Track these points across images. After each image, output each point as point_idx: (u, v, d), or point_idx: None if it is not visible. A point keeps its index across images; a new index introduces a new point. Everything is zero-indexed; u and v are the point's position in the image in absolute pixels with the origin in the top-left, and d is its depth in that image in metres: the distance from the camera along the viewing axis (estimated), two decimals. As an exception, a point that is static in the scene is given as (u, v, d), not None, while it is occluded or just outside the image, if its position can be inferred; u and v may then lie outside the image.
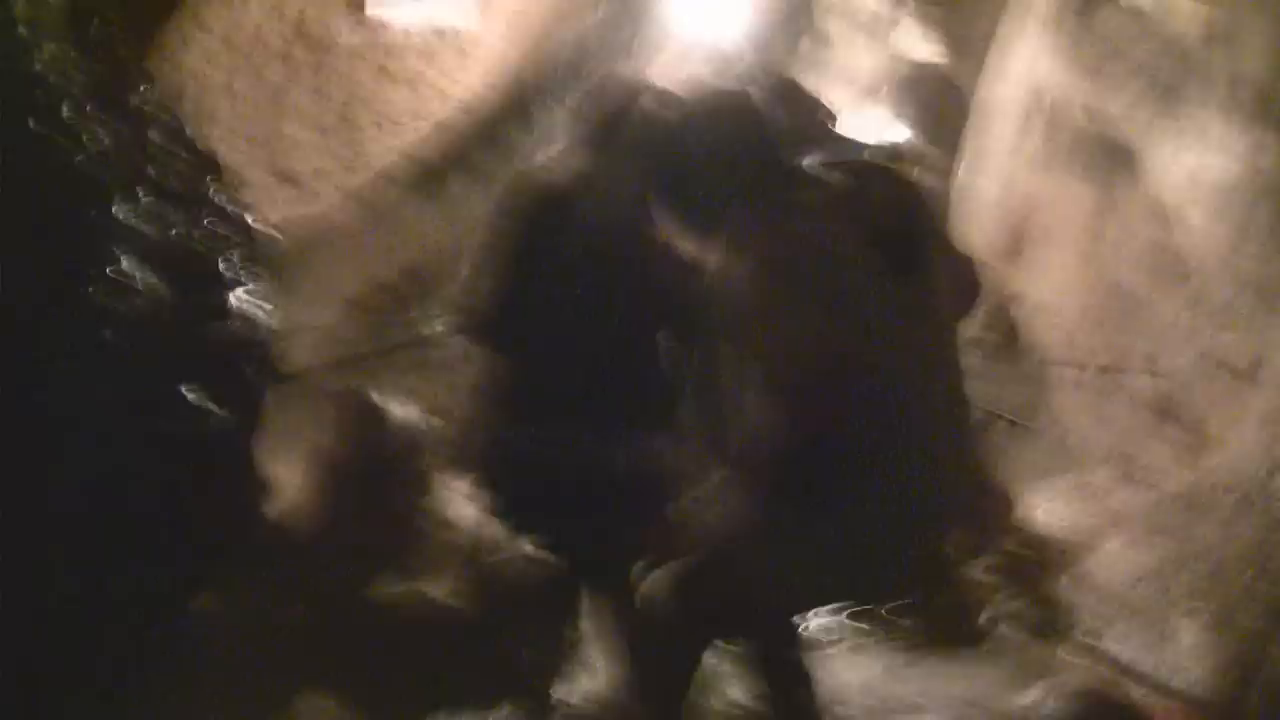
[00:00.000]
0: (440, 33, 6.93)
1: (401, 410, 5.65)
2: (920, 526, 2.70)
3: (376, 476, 5.47)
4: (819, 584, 2.80)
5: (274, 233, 7.74)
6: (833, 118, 5.11)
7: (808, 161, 3.09)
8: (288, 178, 7.06)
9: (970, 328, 11.77)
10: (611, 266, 3.47)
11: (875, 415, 2.51)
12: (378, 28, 6.45)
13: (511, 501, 4.02)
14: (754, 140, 2.94)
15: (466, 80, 7.89)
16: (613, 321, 3.43)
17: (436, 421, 6.21)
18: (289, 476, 6.81)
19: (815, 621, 4.52)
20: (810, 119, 4.35)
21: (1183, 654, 3.89)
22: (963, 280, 3.04)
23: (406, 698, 4.46)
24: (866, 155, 4.81)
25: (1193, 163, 6.63)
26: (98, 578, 1.49)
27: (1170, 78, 6.87)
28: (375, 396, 5.58)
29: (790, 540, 2.58)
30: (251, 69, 5.89)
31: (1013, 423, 7.16)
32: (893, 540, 2.64)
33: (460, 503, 5.63)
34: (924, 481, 2.59)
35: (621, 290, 3.45)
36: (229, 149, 6.30)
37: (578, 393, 3.55)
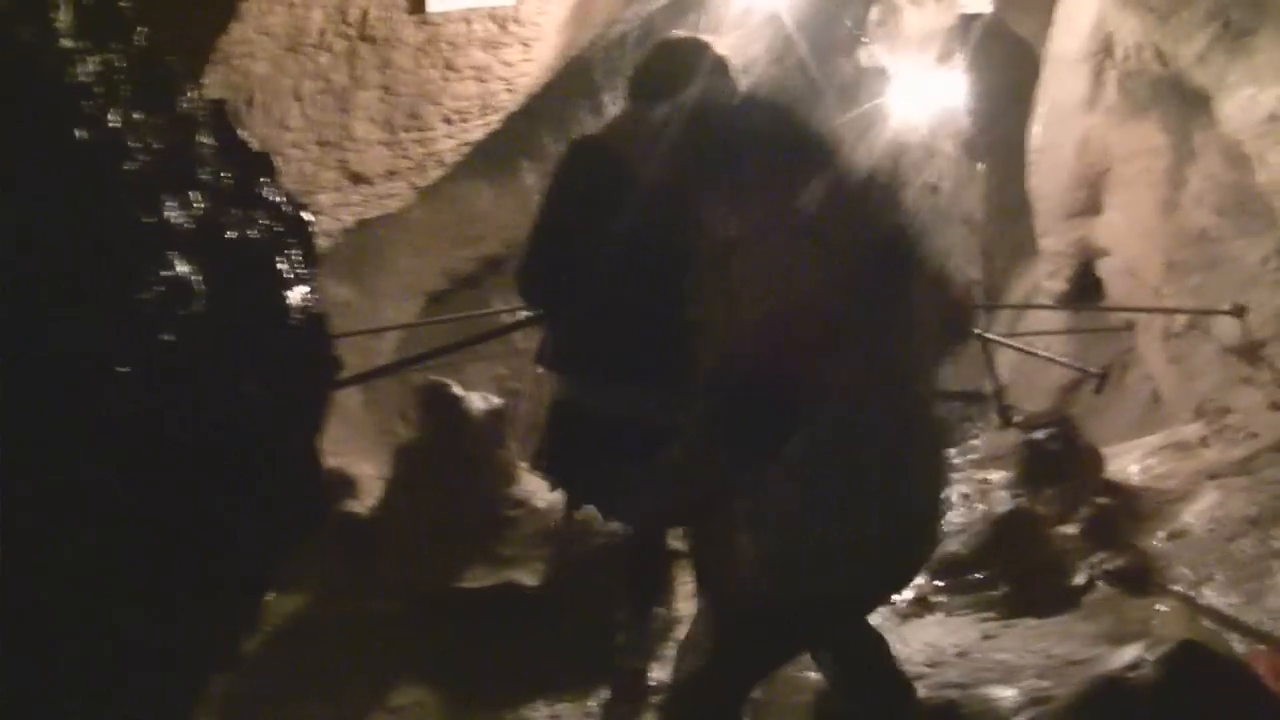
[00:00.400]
0: (503, 25, 6.95)
1: (484, 401, 5.67)
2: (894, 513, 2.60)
3: (462, 467, 5.50)
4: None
5: (348, 232, 7.83)
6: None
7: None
8: (361, 178, 7.12)
9: (1056, 285, 11.70)
10: (659, 233, 3.46)
11: (846, 382, 2.46)
12: (441, 23, 6.47)
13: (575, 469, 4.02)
14: (796, 131, 2.91)
15: (533, 71, 7.92)
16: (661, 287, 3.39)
17: (521, 410, 6.26)
18: (377, 472, 6.88)
19: (907, 594, 4.50)
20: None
21: (1286, 603, 3.84)
22: (951, 314, 2.96)
23: (503, 687, 4.48)
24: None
25: (1271, 103, 6.50)
26: (167, 576, 1.51)
27: (1243, 20, 6.75)
28: (458, 388, 5.61)
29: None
30: (318, 72, 5.93)
31: (1102, 378, 7.07)
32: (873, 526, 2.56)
33: (547, 489, 5.66)
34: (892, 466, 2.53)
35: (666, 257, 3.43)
36: (301, 153, 6.36)
37: (633, 357, 3.59)
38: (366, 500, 5.88)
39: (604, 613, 4.63)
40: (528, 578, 5.13)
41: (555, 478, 4.02)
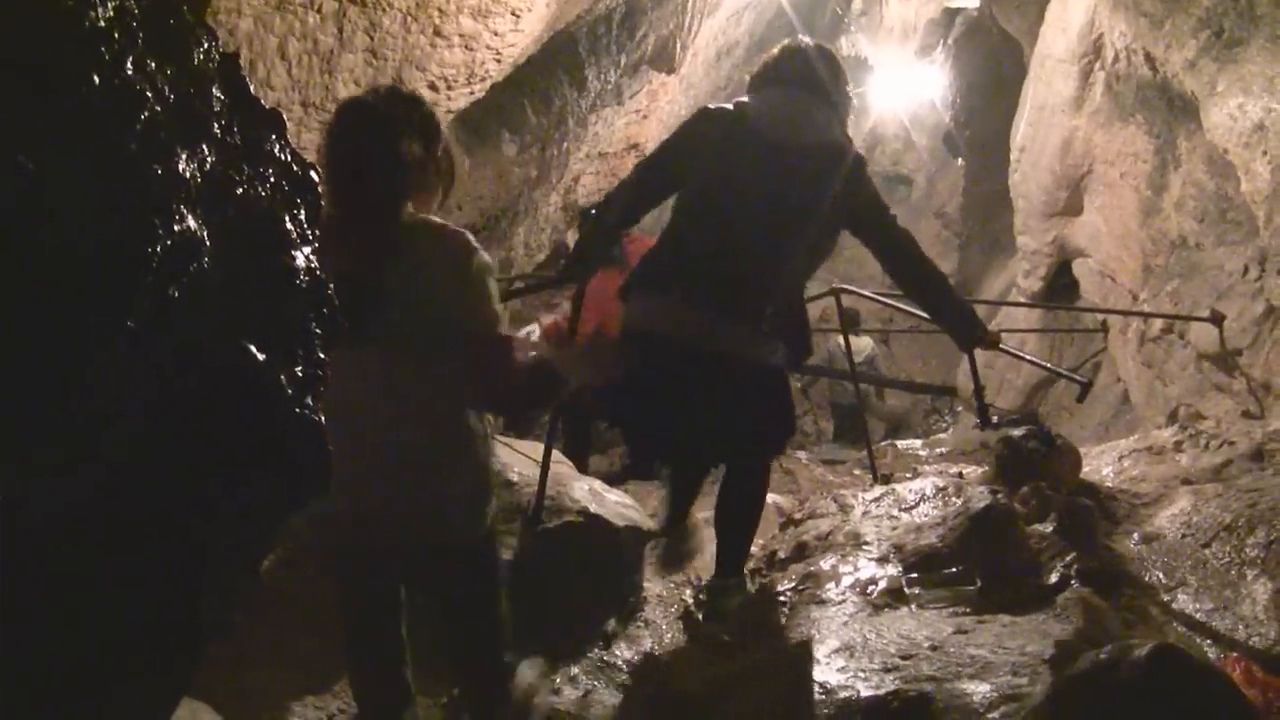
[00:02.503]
0: (493, -7, 6.91)
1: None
2: None
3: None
4: None
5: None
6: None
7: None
8: (343, 142, 7.06)
9: (1032, 283, 11.76)
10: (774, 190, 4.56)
11: None
12: (431, -11, 6.43)
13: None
14: None
15: (521, 41, 7.87)
16: None
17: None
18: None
19: (881, 584, 4.50)
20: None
21: (1258, 613, 3.84)
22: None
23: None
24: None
25: (1259, 113, 6.53)
26: (159, 540, 1.47)
27: (1235, 29, 6.77)
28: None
29: None
30: (305, 32, 5.87)
31: (1086, 386, 7.10)
32: None
33: (523, 464, 5.63)
34: None
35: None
36: (285, 113, 6.30)
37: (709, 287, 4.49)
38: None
39: (573, 588, 4.62)
40: (501, 551, 5.11)
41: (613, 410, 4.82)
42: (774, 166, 4.37)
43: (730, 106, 4.63)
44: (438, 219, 3.24)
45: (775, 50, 4.85)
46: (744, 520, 4.85)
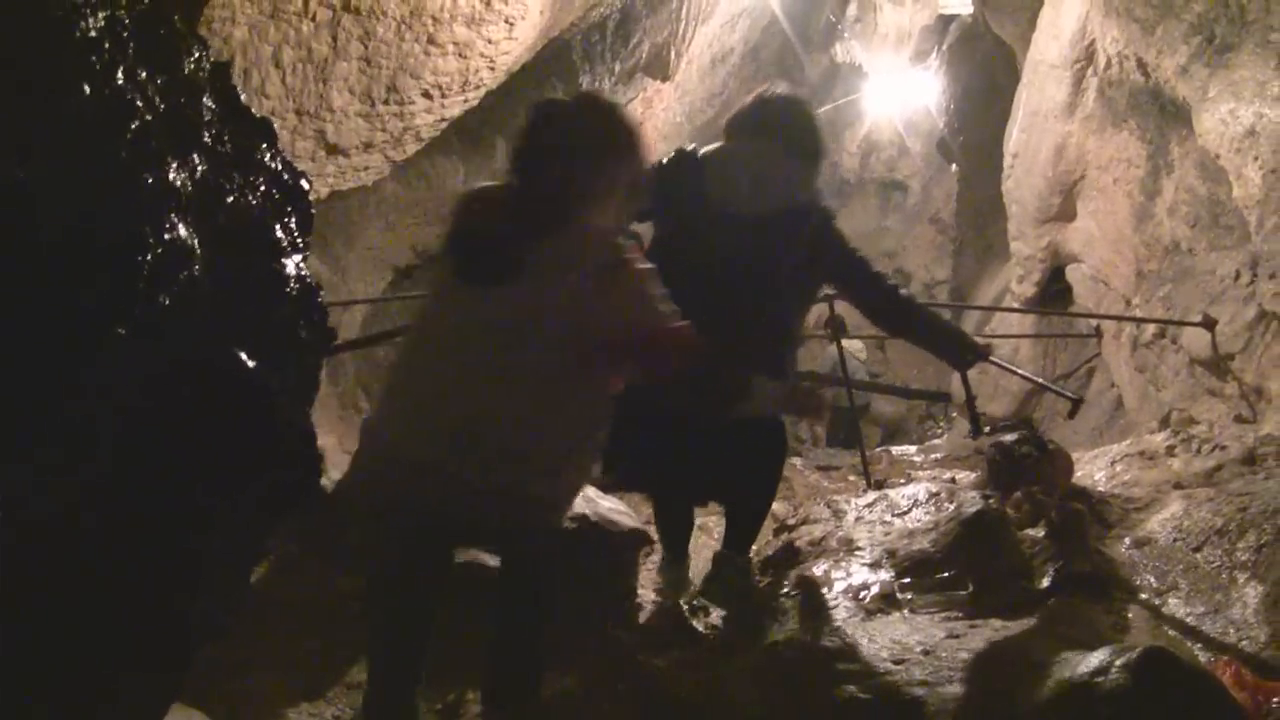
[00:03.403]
0: (488, 2, 6.91)
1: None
2: None
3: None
4: None
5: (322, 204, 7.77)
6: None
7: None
8: (337, 149, 7.07)
9: (1026, 288, 11.77)
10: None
11: None
12: (425, -3, 6.44)
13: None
14: None
15: (515, 49, 7.89)
16: None
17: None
18: (343, 445, 6.84)
19: (874, 589, 4.51)
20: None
21: (1249, 616, 3.85)
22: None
23: (463, 665, 4.47)
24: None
25: (1250, 118, 6.54)
26: (152, 546, 1.48)
27: (1227, 35, 6.79)
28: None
29: None
30: (299, 40, 5.88)
31: (1077, 403, 7.12)
32: None
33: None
34: None
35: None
36: (279, 121, 6.30)
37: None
38: (330, 473, 5.83)
39: (563, 594, 4.63)
40: (491, 557, 5.11)
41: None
42: (731, 236, 4.46)
43: (699, 157, 4.70)
44: (601, 223, 3.48)
45: (749, 99, 4.83)
46: (757, 512, 5.06)
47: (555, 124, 3.51)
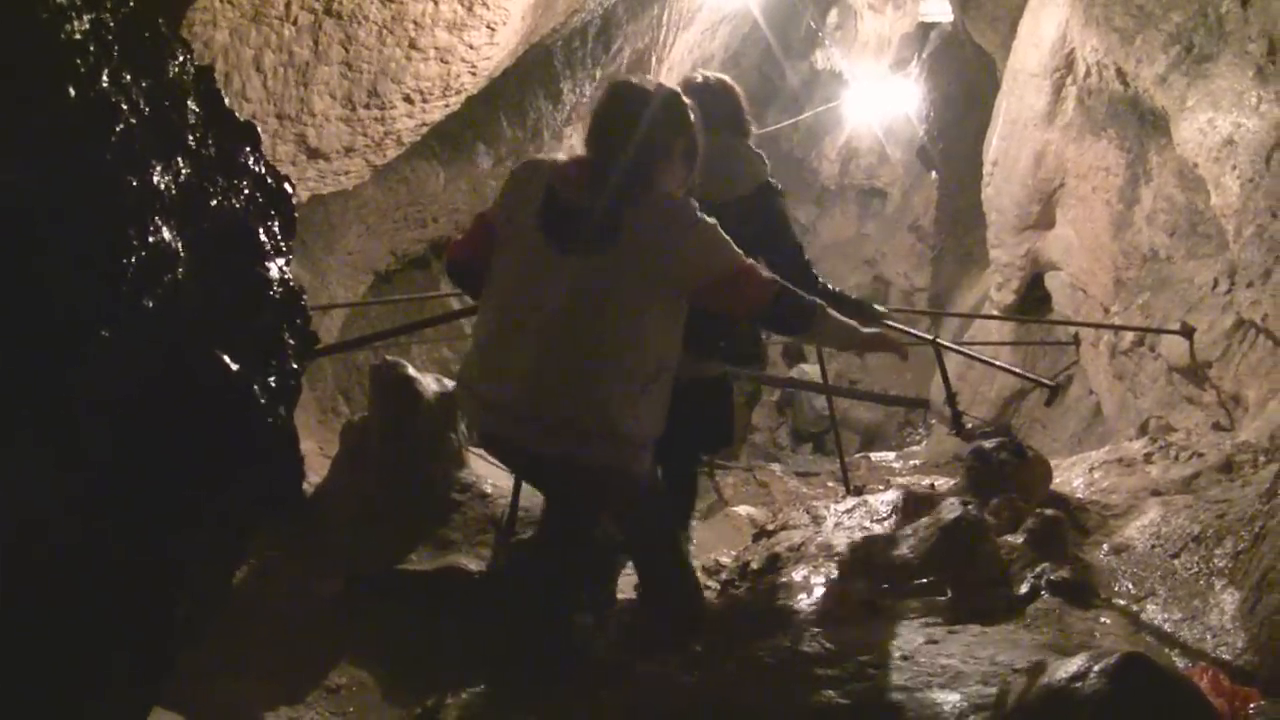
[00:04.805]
0: (470, 8, 6.91)
1: (437, 383, 5.65)
2: None
3: (411, 448, 5.47)
4: None
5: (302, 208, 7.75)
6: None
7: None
8: (318, 153, 7.06)
9: (1005, 296, 11.81)
10: None
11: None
12: (407, 2, 6.43)
13: None
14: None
15: (496, 55, 7.89)
16: None
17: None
18: (322, 450, 6.83)
19: (854, 595, 4.52)
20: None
21: (1226, 622, 3.87)
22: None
23: (443, 669, 4.47)
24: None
25: (1228, 128, 6.58)
26: (132, 551, 1.48)
27: (1205, 45, 6.82)
28: (408, 369, 5.58)
29: None
30: (281, 44, 5.87)
31: (1054, 390, 7.15)
32: None
33: (497, 476, 5.64)
34: None
35: None
36: (260, 125, 6.27)
37: None
38: (310, 477, 5.83)
39: (545, 598, 4.63)
40: (471, 562, 5.12)
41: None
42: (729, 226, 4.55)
43: None
44: (674, 189, 3.97)
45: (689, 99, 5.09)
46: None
47: (632, 105, 3.87)
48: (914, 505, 5.39)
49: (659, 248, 3.74)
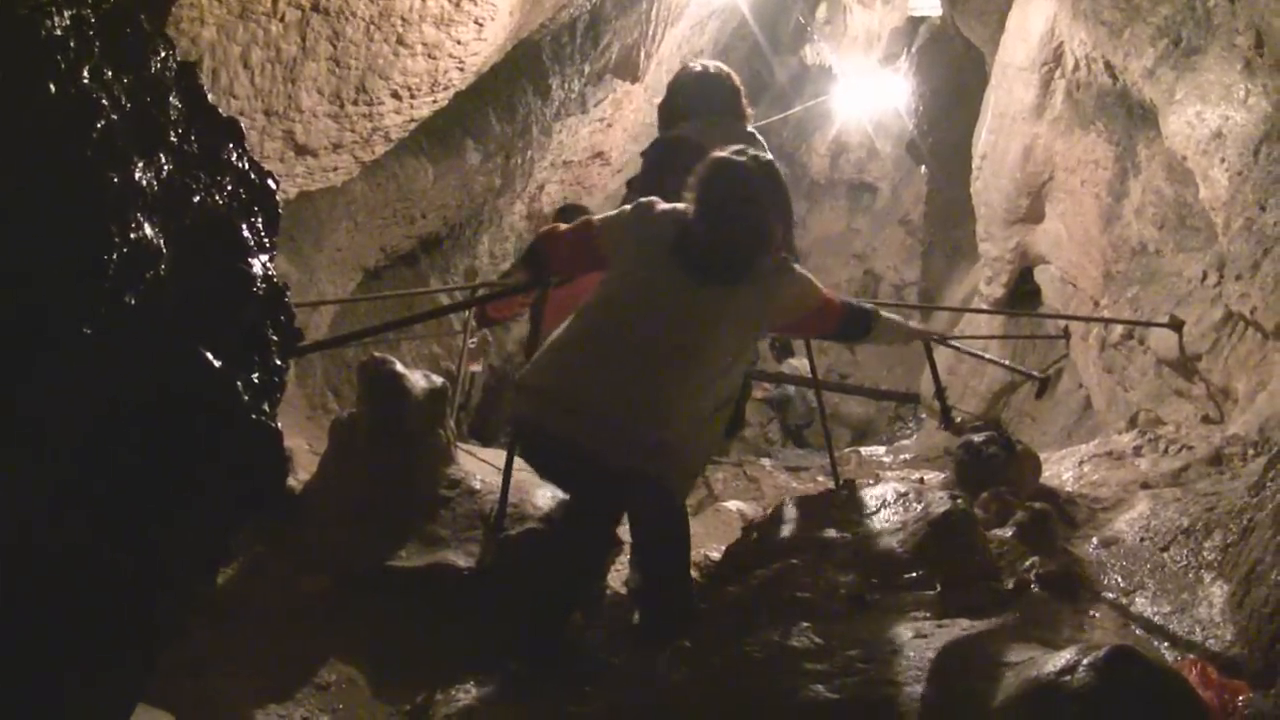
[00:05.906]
0: (457, 3, 6.90)
1: (426, 379, 5.63)
2: None
3: (400, 445, 5.46)
4: None
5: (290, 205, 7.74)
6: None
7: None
8: (306, 150, 7.04)
9: (995, 290, 11.81)
10: None
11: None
12: (394, -2, 6.42)
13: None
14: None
15: (484, 50, 7.87)
16: None
17: (453, 391, 6.22)
18: (311, 447, 6.82)
19: (841, 590, 4.52)
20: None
21: (1214, 615, 3.87)
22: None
23: (432, 666, 4.46)
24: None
25: (1216, 121, 6.58)
26: (117, 549, 1.48)
27: (1193, 38, 6.82)
28: (397, 365, 5.56)
29: None
30: (268, 41, 5.85)
31: (1044, 381, 7.15)
32: None
33: (485, 471, 5.63)
34: None
35: None
36: (248, 122, 6.27)
37: None
38: (298, 474, 5.82)
39: (534, 595, 4.63)
40: (460, 558, 5.11)
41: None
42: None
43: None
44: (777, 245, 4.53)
45: (691, 86, 5.70)
46: None
47: (745, 183, 4.40)
48: (903, 500, 5.38)
49: (775, 288, 4.43)
